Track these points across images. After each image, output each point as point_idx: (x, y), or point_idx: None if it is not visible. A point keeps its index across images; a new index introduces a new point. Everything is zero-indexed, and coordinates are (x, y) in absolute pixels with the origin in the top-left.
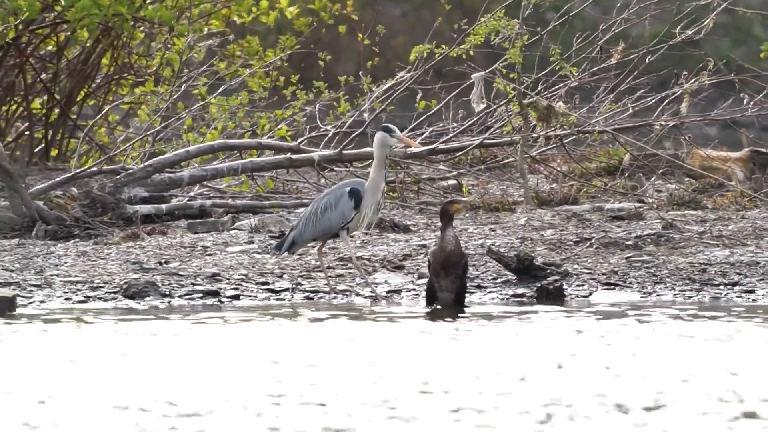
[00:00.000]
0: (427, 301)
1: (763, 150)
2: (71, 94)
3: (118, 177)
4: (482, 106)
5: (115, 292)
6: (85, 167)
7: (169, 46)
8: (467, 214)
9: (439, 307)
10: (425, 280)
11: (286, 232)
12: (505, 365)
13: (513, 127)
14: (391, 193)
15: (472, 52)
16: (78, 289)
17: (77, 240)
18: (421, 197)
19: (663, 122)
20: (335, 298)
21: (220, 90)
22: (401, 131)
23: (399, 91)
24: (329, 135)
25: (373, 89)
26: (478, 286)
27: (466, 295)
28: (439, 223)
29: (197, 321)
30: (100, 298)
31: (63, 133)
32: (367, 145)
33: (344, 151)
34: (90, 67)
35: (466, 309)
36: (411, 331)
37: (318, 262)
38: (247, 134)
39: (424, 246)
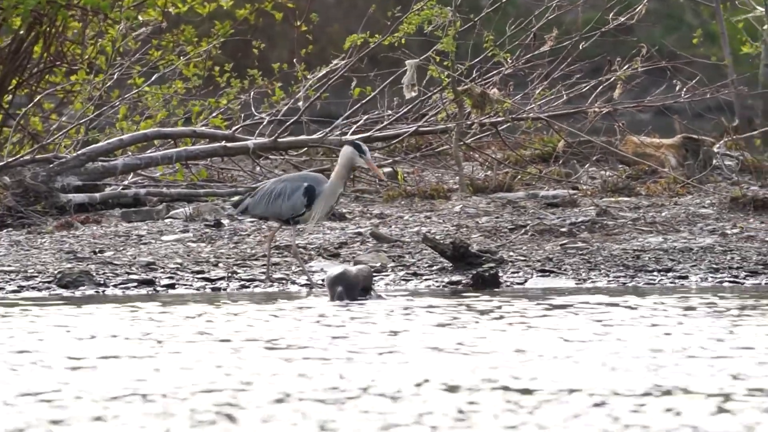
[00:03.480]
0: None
1: (696, 137)
2: (3, 83)
3: (51, 166)
4: (414, 93)
5: (49, 282)
6: (18, 156)
7: (103, 34)
8: (403, 202)
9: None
10: (357, 267)
11: (242, 200)
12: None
13: (448, 115)
14: None
15: (403, 41)
16: (11, 279)
17: (10, 229)
18: (357, 185)
19: (596, 109)
20: (271, 286)
21: (153, 78)
22: (336, 119)
23: (333, 79)
24: (264, 123)
25: (308, 77)
26: (414, 274)
27: (402, 282)
28: (375, 211)
29: (131, 309)
30: (33, 288)
31: None
32: (303, 133)
33: (279, 139)
34: (22, 55)
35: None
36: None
37: (263, 247)
38: (181, 122)
39: (359, 234)
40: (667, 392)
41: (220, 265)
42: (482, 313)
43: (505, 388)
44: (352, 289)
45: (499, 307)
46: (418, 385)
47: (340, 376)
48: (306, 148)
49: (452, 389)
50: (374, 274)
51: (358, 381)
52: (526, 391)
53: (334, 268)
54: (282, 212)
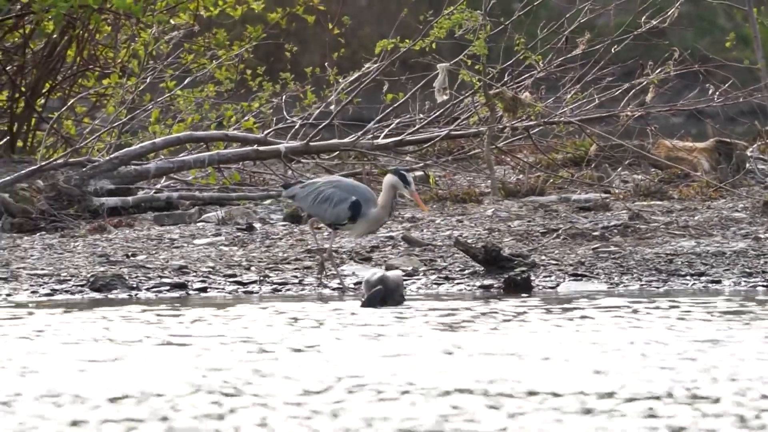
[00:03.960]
0: None
1: (729, 140)
2: (37, 86)
3: (84, 169)
4: (445, 97)
5: (82, 285)
6: (51, 159)
7: (135, 38)
8: (435, 205)
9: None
10: (393, 272)
11: (293, 187)
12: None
13: (479, 118)
14: None
15: (434, 45)
16: (45, 282)
17: (43, 233)
18: None
19: (629, 112)
20: (317, 288)
21: (186, 81)
22: (368, 122)
23: (365, 83)
24: (296, 126)
25: (340, 80)
26: (446, 278)
27: (434, 286)
28: (407, 215)
29: (163, 313)
30: (66, 291)
31: (29, 125)
32: (334, 137)
33: (311, 143)
34: (56, 59)
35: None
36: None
37: (327, 260)
38: (213, 126)
39: (391, 238)
40: (692, 397)
41: (252, 268)
42: (514, 316)
43: (531, 393)
44: (391, 293)
45: (530, 312)
46: (447, 393)
47: (371, 377)
48: (337, 152)
49: (475, 392)
50: (406, 278)
51: (400, 381)
52: (554, 395)
53: (370, 272)
54: (325, 216)
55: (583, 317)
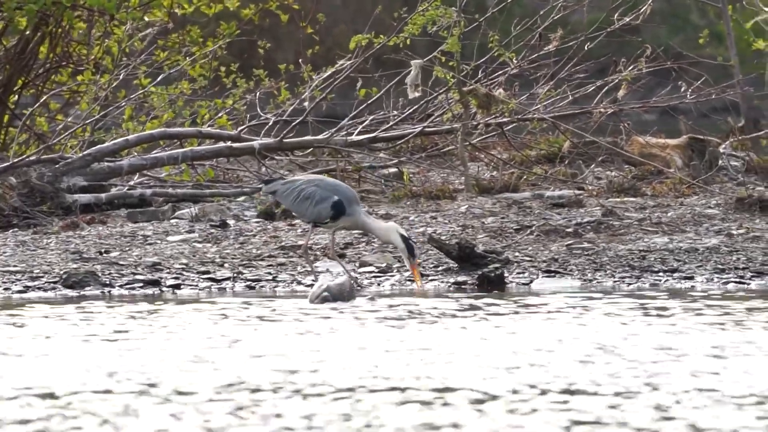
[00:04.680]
0: None
1: (702, 137)
2: (9, 83)
3: (56, 166)
4: (417, 93)
5: (54, 282)
6: (24, 156)
7: (109, 34)
8: (408, 202)
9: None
10: (367, 268)
11: (274, 182)
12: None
13: (453, 115)
14: None
15: (408, 42)
16: (17, 279)
17: (16, 230)
18: (362, 185)
19: (602, 109)
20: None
21: (159, 78)
22: (342, 119)
23: (339, 80)
24: (270, 123)
25: (314, 77)
26: (419, 274)
27: (408, 283)
28: (381, 211)
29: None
30: (39, 288)
31: (1, 122)
32: (308, 134)
33: (285, 140)
34: (28, 55)
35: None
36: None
37: (303, 256)
38: (187, 123)
39: (365, 234)
40: (672, 393)
41: (226, 265)
42: (485, 313)
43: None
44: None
45: (503, 307)
46: (404, 388)
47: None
48: (311, 149)
49: (435, 391)
50: (380, 274)
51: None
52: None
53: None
54: (305, 215)
55: (554, 314)
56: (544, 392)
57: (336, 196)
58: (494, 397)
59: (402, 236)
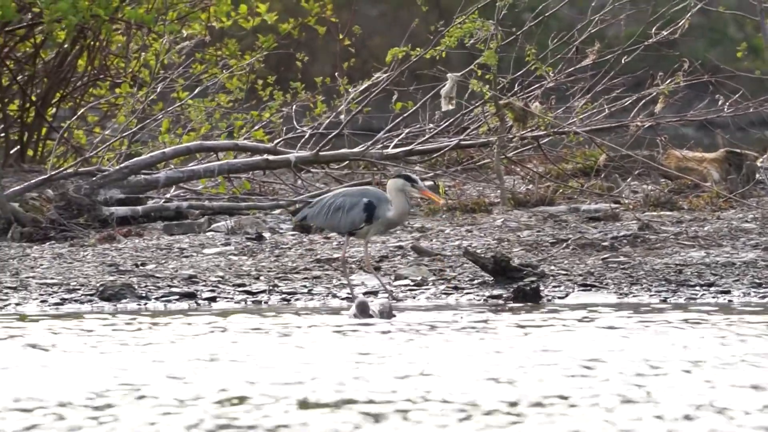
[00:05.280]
0: None
1: (738, 151)
2: (47, 96)
3: (94, 178)
4: (452, 106)
5: (91, 295)
6: (61, 169)
7: (147, 47)
8: (444, 215)
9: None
10: (402, 282)
11: (302, 210)
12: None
13: (489, 128)
14: None
15: (444, 54)
16: (54, 292)
17: (53, 242)
18: None
19: (639, 123)
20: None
21: (196, 91)
22: (378, 132)
23: (375, 93)
24: (306, 136)
25: (350, 90)
26: (455, 288)
27: (443, 296)
28: (416, 224)
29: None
30: (76, 301)
31: (39, 134)
32: (344, 147)
33: (321, 153)
34: (66, 68)
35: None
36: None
37: (340, 269)
38: (223, 136)
39: (401, 247)
40: (714, 410)
41: (261, 278)
42: (520, 327)
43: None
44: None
45: (539, 321)
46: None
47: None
48: (347, 162)
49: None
50: (415, 287)
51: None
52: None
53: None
54: (340, 225)
55: (590, 328)
56: (594, 404)
57: (365, 198)
58: (536, 405)
59: (392, 181)
